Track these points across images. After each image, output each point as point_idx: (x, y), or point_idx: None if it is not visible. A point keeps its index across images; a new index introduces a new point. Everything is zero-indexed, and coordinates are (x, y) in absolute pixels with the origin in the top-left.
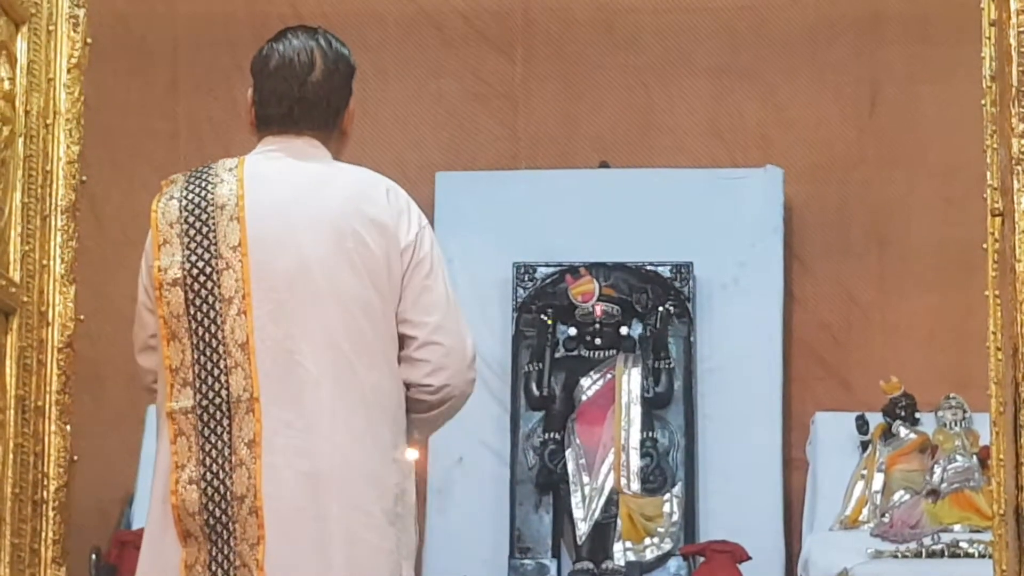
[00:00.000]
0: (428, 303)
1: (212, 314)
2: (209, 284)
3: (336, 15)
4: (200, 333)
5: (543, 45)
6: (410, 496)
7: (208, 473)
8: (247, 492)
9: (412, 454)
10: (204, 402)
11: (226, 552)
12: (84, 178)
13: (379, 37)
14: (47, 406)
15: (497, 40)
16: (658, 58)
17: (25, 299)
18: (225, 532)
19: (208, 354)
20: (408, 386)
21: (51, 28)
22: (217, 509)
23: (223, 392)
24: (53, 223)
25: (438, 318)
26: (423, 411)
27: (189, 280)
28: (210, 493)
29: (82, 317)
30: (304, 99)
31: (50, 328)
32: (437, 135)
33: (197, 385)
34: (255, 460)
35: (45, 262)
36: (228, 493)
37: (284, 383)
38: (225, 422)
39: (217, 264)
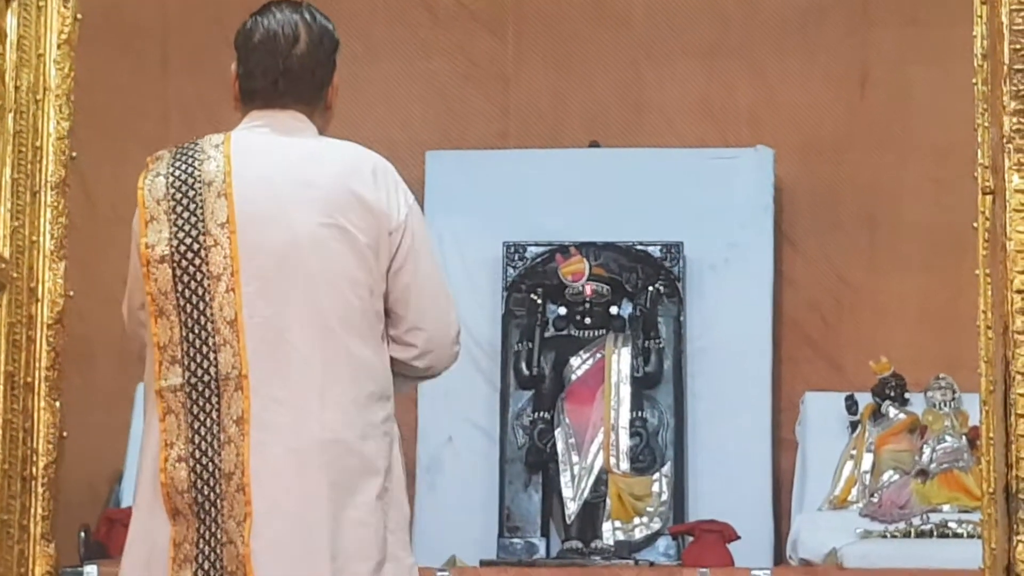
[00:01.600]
0: (413, 286)
1: (200, 291)
2: (197, 261)
3: None
4: (188, 310)
5: (534, 24)
6: (398, 469)
7: (197, 451)
8: (235, 469)
9: None
10: (193, 379)
11: (213, 529)
12: (74, 154)
13: (369, 16)
14: (36, 382)
15: (487, 19)
16: (649, 38)
17: (14, 275)
18: (213, 509)
19: (196, 331)
20: (394, 360)
21: (41, 4)
22: (205, 487)
23: (212, 369)
24: (43, 199)
25: (423, 302)
26: (407, 375)
27: (176, 257)
28: (199, 471)
29: (71, 293)
30: (289, 72)
31: (39, 304)
32: (427, 114)
33: (186, 363)
34: (243, 437)
35: (35, 238)
36: (216, 470)
37: (273, 360)
38: (214, 400)
39: (205, 241)
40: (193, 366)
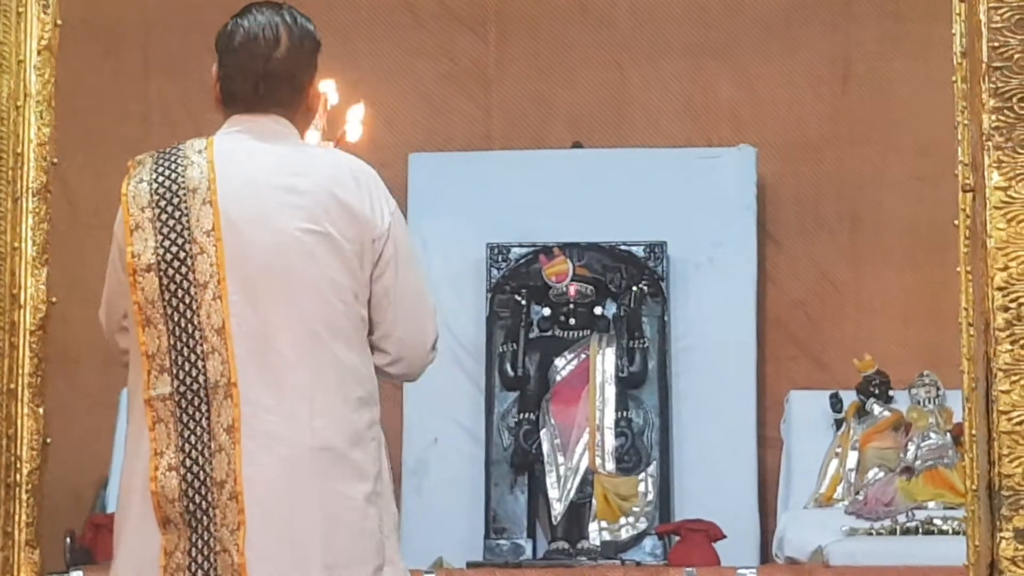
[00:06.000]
0: (392, 293)
1: (187, 299)
2: (183, 269)
3: None
4: (176, 319)
5: (516, 25)
6: (387, 473)
7: (187, 459)
8: (227, 477)
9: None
10: (182, 388)
11: (206, 538)
12: (56, 160)
13: (351, 18)
14: (19, 389)
15: (469, 20)
16: (631, 37)
17: None
18: (205, 518)
19: (184, 340)
20: None
21: (21, 10)
22: (197, 495)
23: (200, 378)
24: (25, 205)
25: (400, 310)
26: (383, 377)
27: (163, 265)
28: (190, 479)
29: (54, 300)
30: (270, 75)
31: (22, 311)
32: (410, 116)
33: (174, 371)
34: (234, 445)
35: (17, 244)
36: (208, 479)
37: (261, 368)
38: (203, 408)
39: (191, 249)
40: (182, 375)
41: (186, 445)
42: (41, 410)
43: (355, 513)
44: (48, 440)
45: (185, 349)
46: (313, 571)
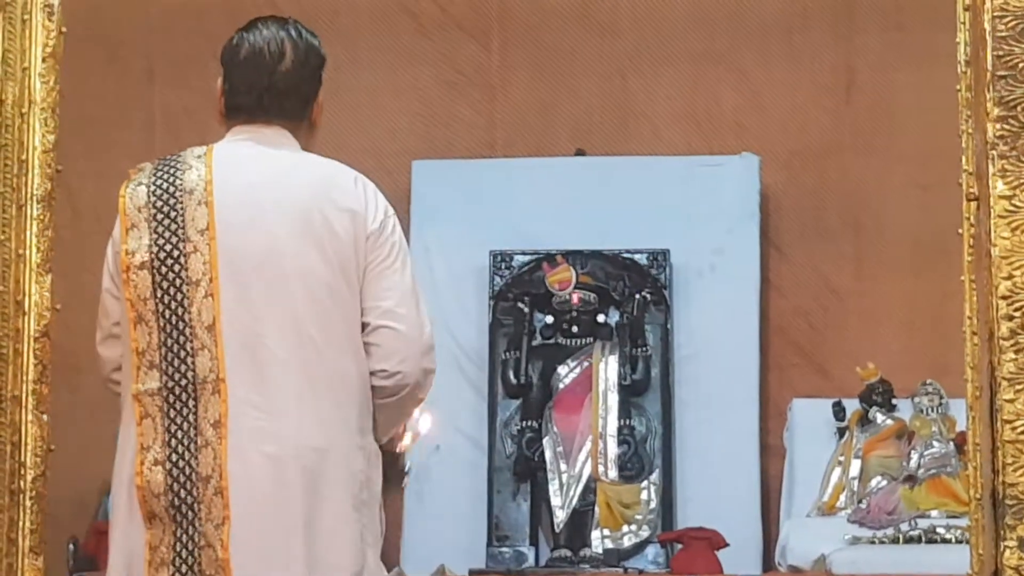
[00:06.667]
0: (383, 288)
1: (179, 297)
2: (176, 267)
3: (311, 4)
4: (167, 316)
5: (519, 33)
6: (376, 484)
7: (174, 454)
8: (212, 473)
9: (425, 424)
10: (170, 384)
11: (191, 533)
12: (60, 168)
13: (354, 26)
14: (24, 396)
15: (473, 28)
16: (634, 45)
17: (0, 288)
18: (190, 513)
19: (175, 336)
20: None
21: (26, 17)
22: (182, 490)
23: (189, 374)
24: (29, 212)
25: (390, 303)
26: (381, 397)
27: (156, 263)
28: (175, 474)
29: (58, 306)
30: (274, 89)
31: (26, 318)
32: (413, 124)
33: (163, 367)
34: (221, 441)
35: (21, 251)
36: (193, 474)
37: (251, 365)
38: (191, 403)
39: (184, 247)
40: (171, 370)
41: (172, 440)
42: (45, 417)
43: (338, 518)
44: (52, 447)
45: (175, 346)
46: (296, 568)
